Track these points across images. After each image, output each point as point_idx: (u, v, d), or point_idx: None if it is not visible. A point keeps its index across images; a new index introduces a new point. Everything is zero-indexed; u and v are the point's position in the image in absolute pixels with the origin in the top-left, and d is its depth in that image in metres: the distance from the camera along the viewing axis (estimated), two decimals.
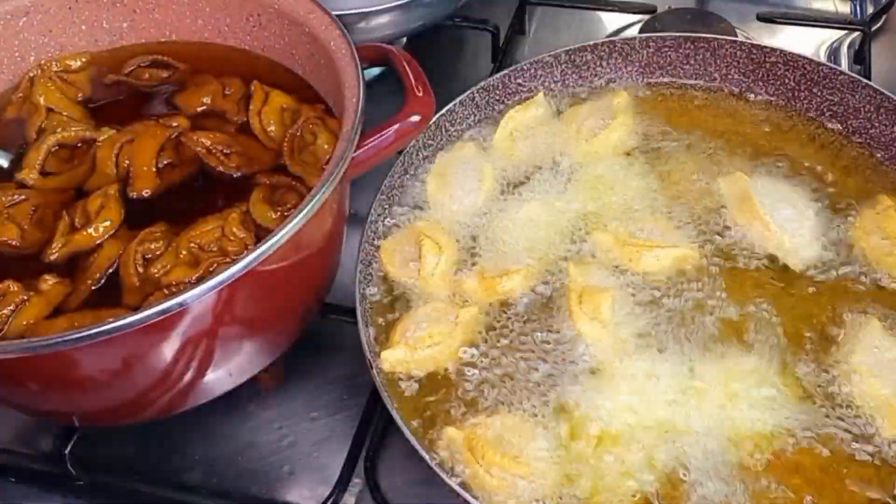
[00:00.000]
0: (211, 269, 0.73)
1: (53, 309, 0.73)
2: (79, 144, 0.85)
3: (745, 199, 0.88)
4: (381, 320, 0.84)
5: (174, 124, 0.85)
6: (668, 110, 1.02)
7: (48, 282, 0.74)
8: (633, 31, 1.25)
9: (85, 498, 0.84)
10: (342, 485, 0.80)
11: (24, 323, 0.71)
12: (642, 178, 0.94)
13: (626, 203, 0.92)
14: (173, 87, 0.91)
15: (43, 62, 0.91)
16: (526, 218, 0.91)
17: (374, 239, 0.89)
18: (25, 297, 0.72)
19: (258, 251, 0.66)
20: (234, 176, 0.82)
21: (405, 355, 0.79)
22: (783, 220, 0.87)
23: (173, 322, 0.67)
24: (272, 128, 0.85)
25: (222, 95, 0.89)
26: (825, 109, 0.98)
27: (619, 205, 0.92)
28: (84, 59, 0.92)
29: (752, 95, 1.02)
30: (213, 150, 0.83)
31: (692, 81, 1.04)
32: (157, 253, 0.75)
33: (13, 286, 0.73)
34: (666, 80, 1.04)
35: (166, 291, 0.72)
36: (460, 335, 0.81)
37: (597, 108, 1.00)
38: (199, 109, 0.88)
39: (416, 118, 0.80)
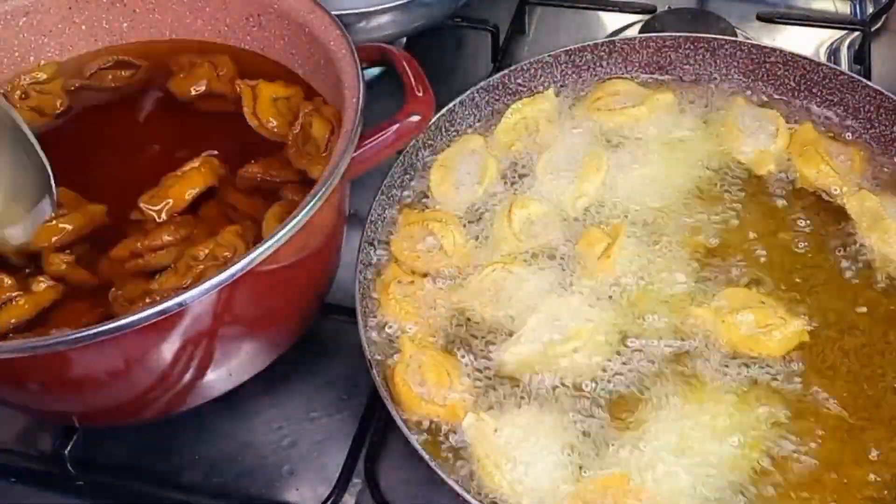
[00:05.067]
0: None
1: (38, 313, 0.73)
2: None
3: None
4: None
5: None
6: None
7: (41, 284, 0.74)
8: (633, 31, 1.25)
9: (85, 498, 0.83)
10: (342, 485, 0.80)
11: (9, 322, 0.71)
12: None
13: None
14: (160, 86, 0.91)
15: (13, 79, 0.89)
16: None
17: (374, 239, 0.89)
18: (14, 295, 0.72)
19: (258, 251, 0.66)
20: (257, 180, 0.82)
21: None
22: None
23: (173, 322, 0.67)
24: (272, 122, 0.85)
25: (216, 77, 0.89)
26: (825, 109, 0.98)
27: None
28: (52, 70, 0.91)
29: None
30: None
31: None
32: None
33: (7, 280, 0.73)
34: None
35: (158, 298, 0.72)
36: None
37: (632, 91, 1.00)
38: (197, 93, 0.89)
39: (416, 118, 0.80)
